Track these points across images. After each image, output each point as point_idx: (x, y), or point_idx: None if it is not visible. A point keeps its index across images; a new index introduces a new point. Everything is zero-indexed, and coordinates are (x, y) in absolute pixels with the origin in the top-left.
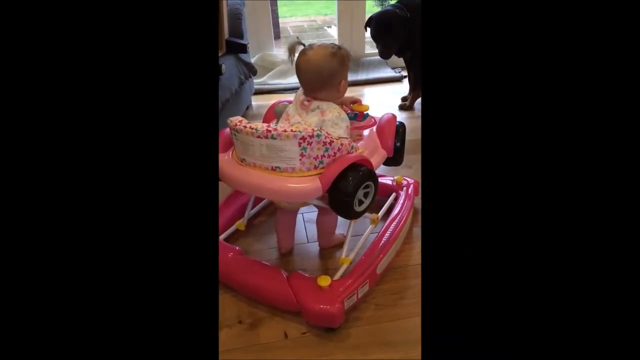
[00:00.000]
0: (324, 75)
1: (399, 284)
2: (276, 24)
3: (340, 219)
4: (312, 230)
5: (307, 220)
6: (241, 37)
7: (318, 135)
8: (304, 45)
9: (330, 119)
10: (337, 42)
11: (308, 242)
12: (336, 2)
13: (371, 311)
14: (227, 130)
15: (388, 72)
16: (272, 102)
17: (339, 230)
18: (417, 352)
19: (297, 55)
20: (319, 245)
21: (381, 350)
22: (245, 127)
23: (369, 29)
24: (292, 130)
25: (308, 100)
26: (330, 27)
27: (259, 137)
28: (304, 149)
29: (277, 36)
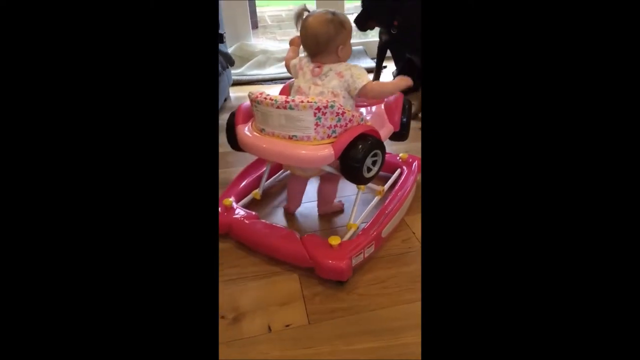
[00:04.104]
0: (321, 41)
1: (381, 273)
2: (253, 13)
3: (348, 189)
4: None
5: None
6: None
7: (332, 106)
8: (308, 11)
9: (350, 75)
10: None
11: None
12: None
13: (354, 301)
14: (245, 104)
15: (368, 62)
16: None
17: (346, 200)
18: (400, 340)
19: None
20: (319, 211)
21: (365, 340)
22: (265, 98)
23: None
24: (308, 101)
25: (318, 67)
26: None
27: (278, 107)
28: (319, 118)
29: (255, 25)
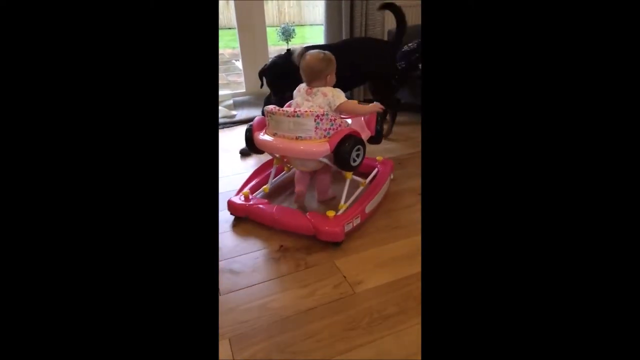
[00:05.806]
0: (315, 70)
1: (314, 325)
2: None
3: (338, 185)
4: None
5: None
6: None
7: (327, 115)
8: (306, 51)
9: (332, 95)
10: (243, 75)
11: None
12: (237, 37)
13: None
14: (257, 117)
15: None
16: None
17: (338, 192)
18: None
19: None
20: (318, 199)
21: None
22: (278, 110)
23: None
24: (310, 111)
25: (310, 89)
26: (238, 60)
27: (288, 116)
28: (318, 123)
29: None
